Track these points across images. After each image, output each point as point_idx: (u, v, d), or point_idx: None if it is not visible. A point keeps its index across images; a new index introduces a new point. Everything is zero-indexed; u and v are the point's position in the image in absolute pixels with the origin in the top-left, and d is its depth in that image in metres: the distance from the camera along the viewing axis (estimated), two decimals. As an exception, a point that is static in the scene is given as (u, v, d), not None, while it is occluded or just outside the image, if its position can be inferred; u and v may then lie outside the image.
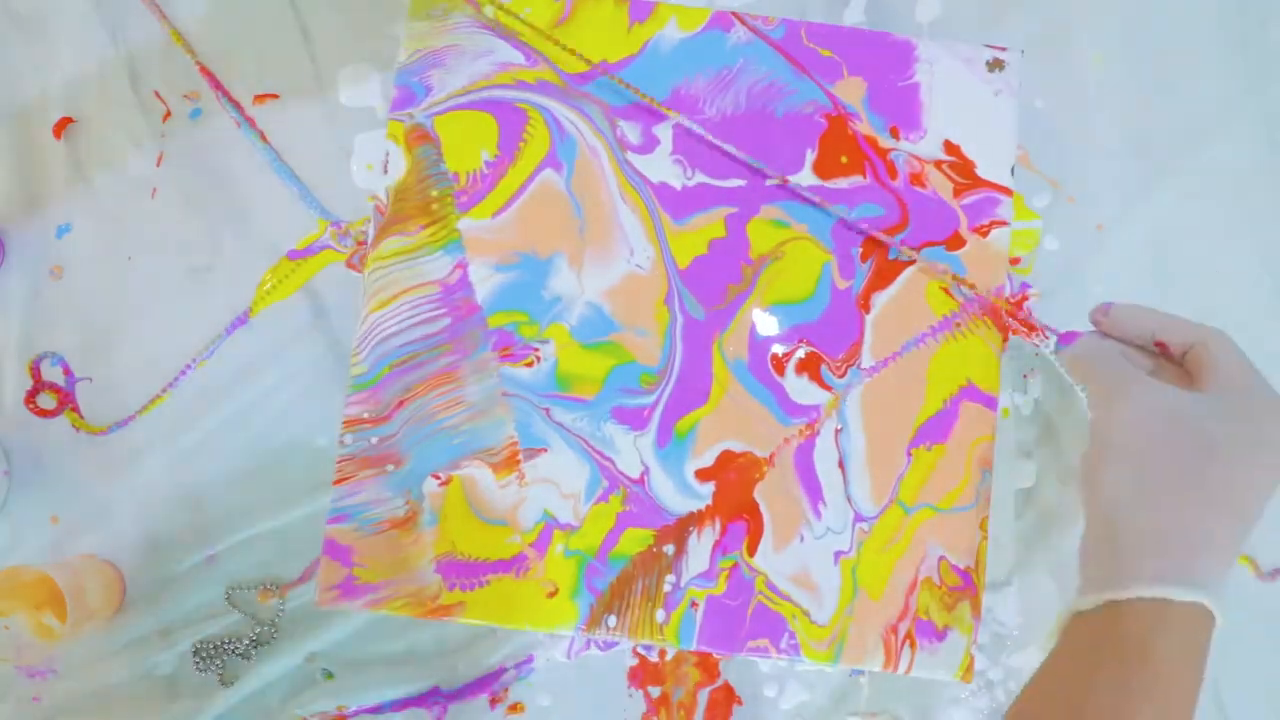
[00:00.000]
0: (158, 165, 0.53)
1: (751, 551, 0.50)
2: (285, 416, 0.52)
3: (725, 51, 0.54)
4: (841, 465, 0.51)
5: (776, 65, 0.54)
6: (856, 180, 0.53)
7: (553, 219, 0.52)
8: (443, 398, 0.51)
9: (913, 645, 0.50)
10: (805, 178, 0.53)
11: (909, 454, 0.51)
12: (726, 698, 0.52)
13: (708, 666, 0.52)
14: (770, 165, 0.52)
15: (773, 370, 0.52)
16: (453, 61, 0.53)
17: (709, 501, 0.50)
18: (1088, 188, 0.55)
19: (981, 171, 0.53)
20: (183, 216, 0.53)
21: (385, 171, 0.53)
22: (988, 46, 0.54)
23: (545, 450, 0.51)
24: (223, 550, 0.51)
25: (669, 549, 0.50)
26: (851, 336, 0.52)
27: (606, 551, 0.50)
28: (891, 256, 0.52)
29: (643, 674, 0.51)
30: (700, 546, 0.50)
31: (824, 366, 0.52)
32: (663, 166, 0.53)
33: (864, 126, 0.53)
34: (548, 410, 0.51)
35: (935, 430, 0.51)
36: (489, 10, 0.53)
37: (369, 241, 0.52)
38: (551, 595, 0.49)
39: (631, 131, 0.53)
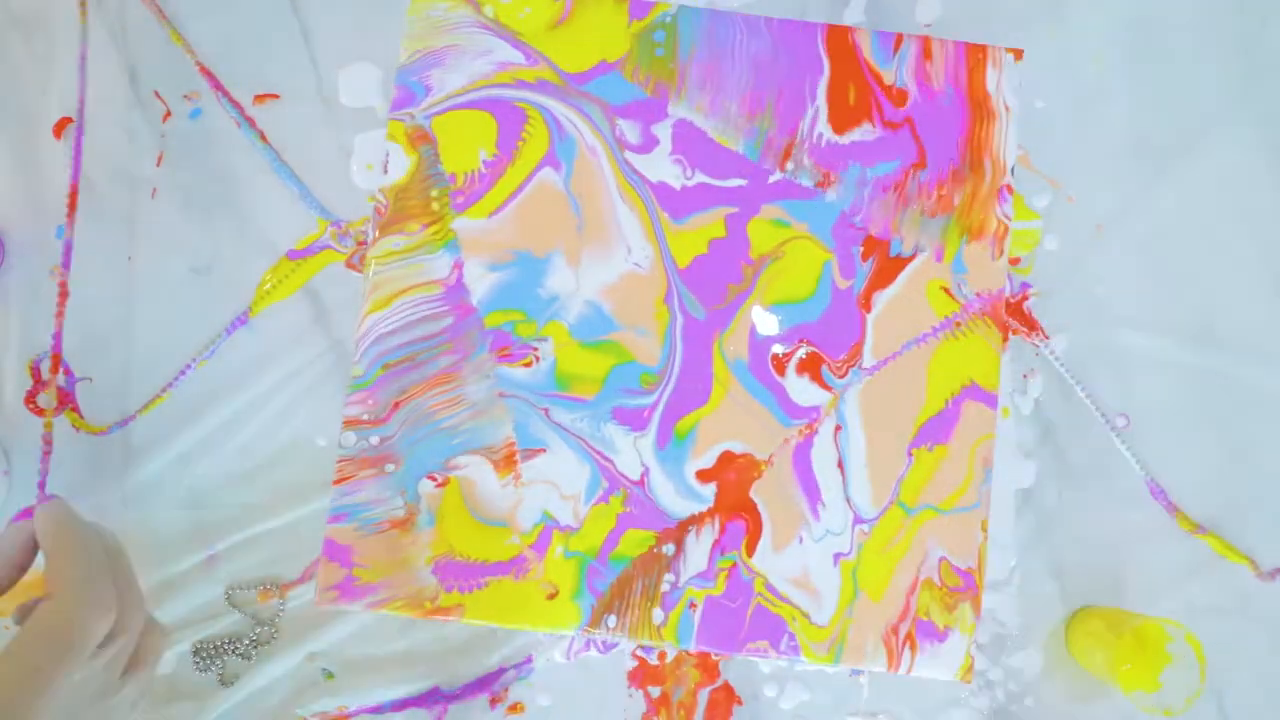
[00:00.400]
0: (158, 165, 0.53)
1: (750, 551, 0.50)
2: (285, 416, 0.52)
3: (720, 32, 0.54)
4: (840, 465, 0.51)
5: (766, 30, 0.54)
6: (866, 131, 0.53)
7: (551, 218, 0.52)
8: (440, 398, 0.51)
9: (913, 647, 0.50)
10: (822, 128, 0.53)
11: (910, 454, 0.51)
12: (726, 698, 0.52)
13: (708, 667, 0.52)
14: (781, 101, 0.53)
15: (773, 370, 0.52)
16: (452, 61, 0.53)
17: (711, 504, 0.50)
18: (1088, 188, 0.55)
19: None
20: (183, 216, 0.53)
21: (385, 171, 0.52)
22: (989, 46, 0.54)
23: (544, 450, 0.51)
24: (223, 550, 0.51)
25: (668, 548, 0.50)
26: (853, 337, 0.52)
27: (607, 553, 0.50)
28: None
29: (643, 674, 0.51)
30: (699, 546, 0.50)
31: (824, 367, 0.52)
32: (662, 166, 0.53)
33: (865, 40, 0.54)
34: (547, 410, 0.51)
35: (937, 430, 0.51)
36: (489, 10, 0.53)
37: (369, 241, 0.52)
38: (551, 597, 0.49)
39: (631, 131, 0.53)
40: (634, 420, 0.51)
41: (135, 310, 0.52)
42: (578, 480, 0.50)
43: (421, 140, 0.53)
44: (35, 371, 0.52)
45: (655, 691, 0.51)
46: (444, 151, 0.52)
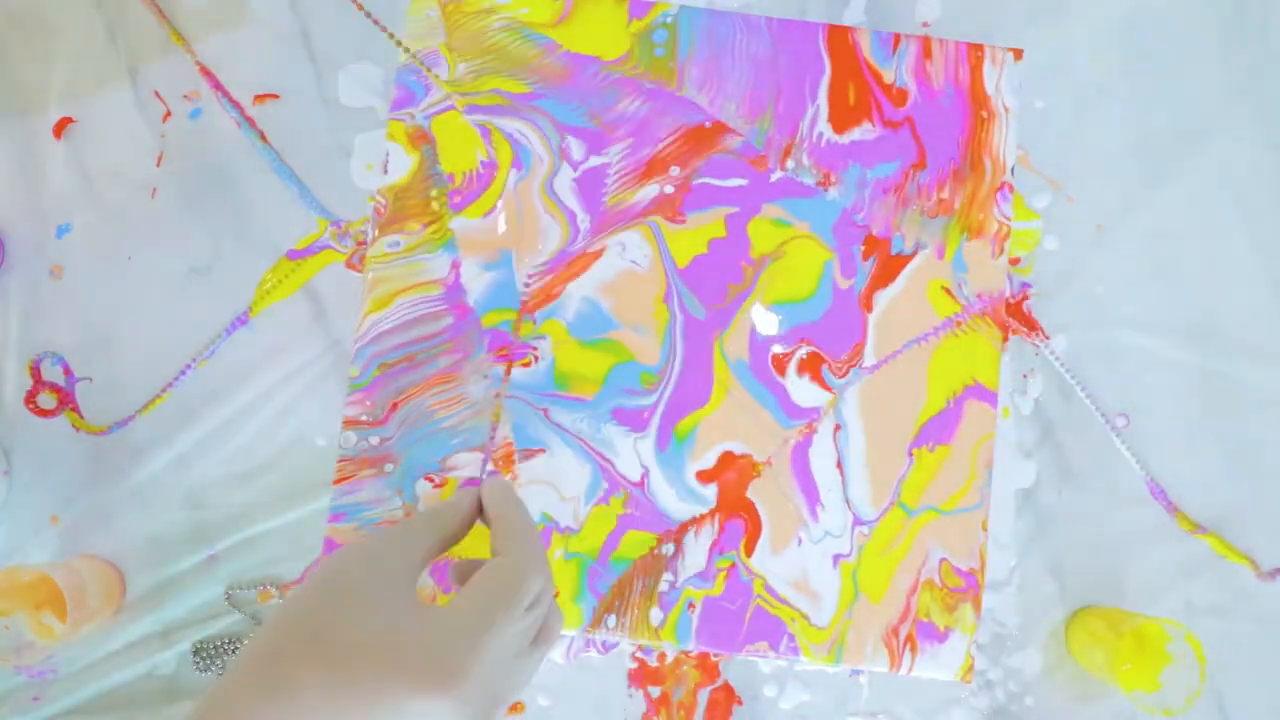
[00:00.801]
0: (158, 165, 0.53)
1: (749, 551, 0.50)
2: (285, 416, 0.52)
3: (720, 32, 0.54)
4: (840, 465, 0.51)
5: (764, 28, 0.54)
6: (866, 130, 0.53)
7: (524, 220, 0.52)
8: (438, 399, 0.51)
9: (913, 648, 0.50)
10: (822, 127, 0.53)
11: (911, 455, 0.51)
12: (726, 698, 0.52)
13: (708, 667, 0.52)
14: (780, 100, 0.53)
15: (774, 371, 0.52)
16: (441, 61, 0.53)
17: (713, 505, 0.50)
18: (1088, 188, 0.55)
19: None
20: (183, 216, 0.53)
21: (385, 171, 0.52)
22: (989, 46, 0.54)
23: (543, 451, 0.51)
24: (223, 550, 0.51)
25: (668, 549, 0.50)
26: (854, 337, 0.52)
27: (608, 554, 0.50)
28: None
29: (642, 674, 0.51)
30: (697, 545, 0.50)
31: (825, 367, 0.52)
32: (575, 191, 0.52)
33: (864, 40, 0.54)
34: (546, 410, 0.51)
35: (939, 430, 0.51)
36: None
37: (369, 241, 0.52)
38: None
39: (577, 148, 0.53)
40: (634, 421, 0.51)
41: (135, 310, 0.52)
42: (578, 481, 0.50)
43: (421, 140, 0.53)
44: (35, 371, 0.52)
45: (655, 691, 0.51)
46: (442, 151, 0.52)
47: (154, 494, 0.51)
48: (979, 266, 0.53)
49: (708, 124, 0.53)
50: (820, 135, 0.53)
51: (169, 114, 0.54)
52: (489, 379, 0.51)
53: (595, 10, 0.54)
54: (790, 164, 0.53)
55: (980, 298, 0.52)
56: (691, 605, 0.50)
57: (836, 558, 0.50)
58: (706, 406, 0.51)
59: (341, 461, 0.50)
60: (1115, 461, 0.53)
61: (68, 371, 0.52)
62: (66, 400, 0.52)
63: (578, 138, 0.53)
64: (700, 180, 0.53)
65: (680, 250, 0.52)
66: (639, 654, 0.51)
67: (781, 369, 0.52)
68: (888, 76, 0.54)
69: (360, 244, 0.53)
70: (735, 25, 0.54)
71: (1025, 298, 0.54)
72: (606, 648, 0.51)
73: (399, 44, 0.53)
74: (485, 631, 0.32)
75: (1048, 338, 0.54)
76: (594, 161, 0.52)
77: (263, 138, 0.54)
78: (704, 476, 0.51)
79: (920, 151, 0.53)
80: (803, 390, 0.51)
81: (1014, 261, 0.54)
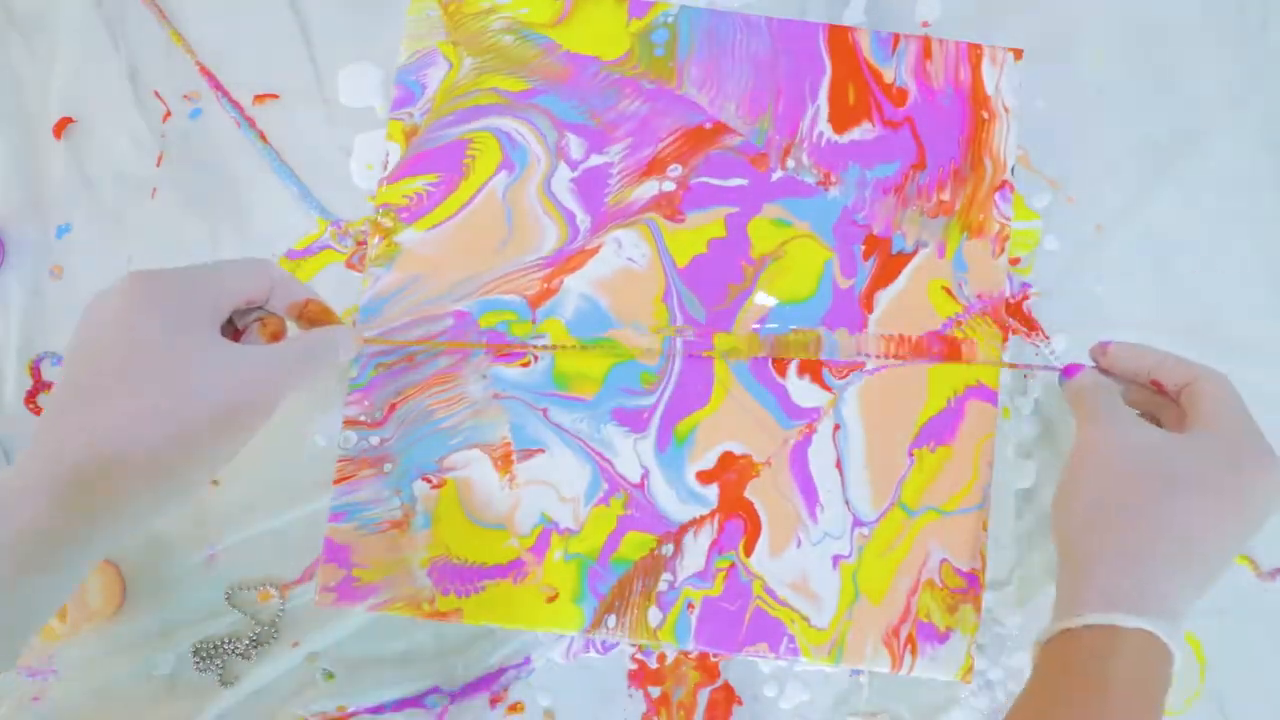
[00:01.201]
0: (158, 165, 0.53)
1: (748, 552, 0.50)
2: (285, 416, 0.52)
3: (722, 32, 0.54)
4: (839, 465, 0.51)
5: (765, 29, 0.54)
6: (865, 130, 0.53)
7: (487, 234, 0.52)
8: (437, 399, 0.51)
9: (914, 649, 0.50)
10: (822, 127, 0.53)
11: (911, 455, 0.51)
12: (726, 698, 0.52)
13: (707, 667, 0.52)
14: (780, 100, 0.53)
15: (774, 372, 0.52)
16: (440, 61, 0.53)
17: (714, 506, 0.50)
18: (1088, 188, 0.55)
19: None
20: (183, 216, 0.53)
21: (385, 171, 0.53)
22: (988, 46, 0.54)
23: (542, 451, 0.51)
24: (223, 550, 0.51)
25: (667, 549, 0.50)
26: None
27: (608, 555, 0.50)
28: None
29: (642, 674, 0.51)
30: (697, 545, 0.50)
31: (825, 368, 0.52)
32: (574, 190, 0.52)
33: (864, 40, 0.54)
34: (545, 411, 0.51)
35: (940, 430, 0.51)
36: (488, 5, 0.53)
37: (368, 242, 0.52)
38: (551, 600, 0.49)
39: (577, 146, 0.52)
40: (634, 421, 0.51)
41: (135, 310, 0.52)
42: (578, 482, 0.50)
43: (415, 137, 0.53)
44: (35, 371, 0.52)
45: (655, 692, 0.51)
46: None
47: (154, 494, 0.51)
48: (979, 266, 0.53)
49: (708, 125, 0.53)
50: (820, 135, 0.53)
51: (169, 114, 0.54)
52: (487, 379, 0.51)
53: (595, 10, 0.54)
54: (790, 163, 0.53)
55: (980, 298, 0.52)
56: (690, 605, 0.50)
57: (836, 559, 0.50)
58: (707, 407, 0.51)
59: (341, 461, 0.50)
60: (1115, 461, 0.53)
61: (68, 371, 0.52)
62: (66, 400, 0.52)
63: (577, 135, 0.53)
64: (700, 180, 0.53)
65: (679, 249, 0.52)
66: (639, 655, 0.51)
67: (782, 370, 0.52)
68: (887, 76, 0.54)
69: (360, 244, 0.53)
70: (735, 25, 0.54)
71: (1025, 298, 0.54)
72: (606, 648, 0.51)
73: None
74: (1252, 421, 0.42)
75: (1048, 338, 0.54)
76: (594, 161, 0.52)
77: (263, 138, 0.54)
78: (704, 477, 0.51)
79: (920, 151, 0.53)
80: (803, 391, 0.51)
81: (1014, 261, 0.54)
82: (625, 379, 0.51)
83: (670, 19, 0.54)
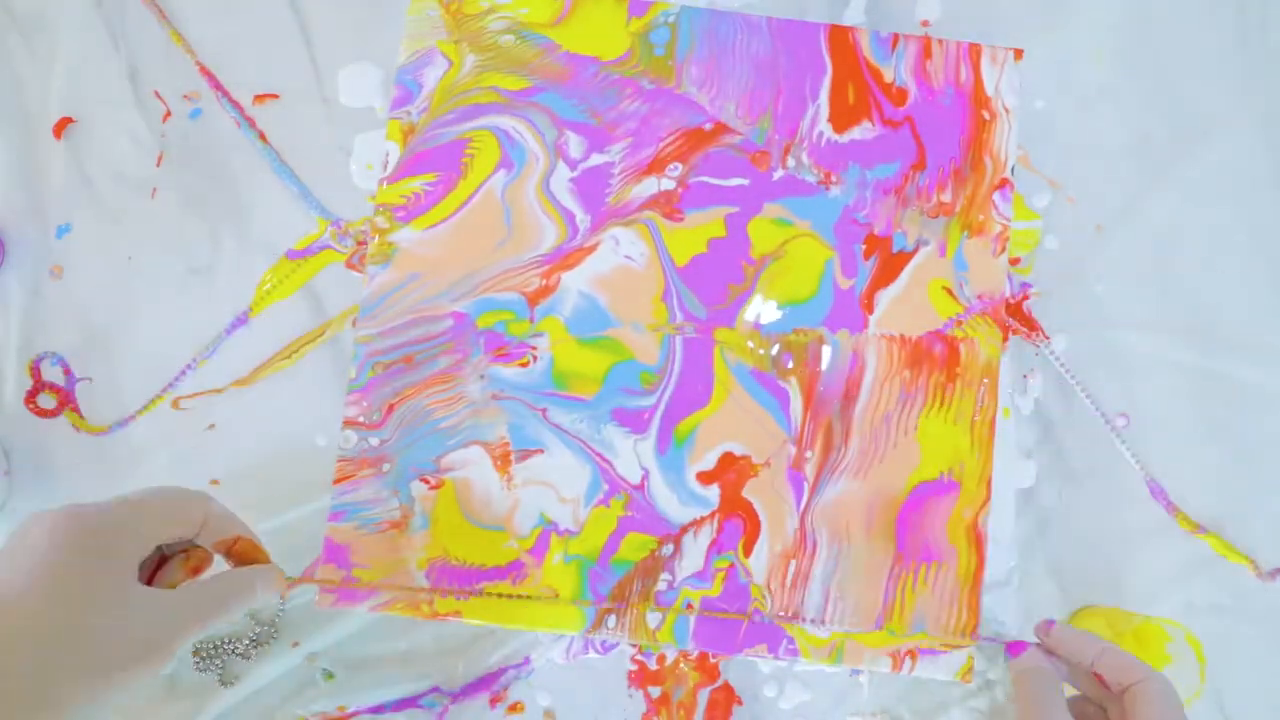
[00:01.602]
0: (158, 165, 0.53)
1: (747, 552, 0.50)
2: (285, 416, 0.52)
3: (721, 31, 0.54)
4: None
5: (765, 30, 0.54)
6: (865, 129, 0.53)
7: (485, 233, 0.52)
8: (435, 399, 0.51)
9: (913, 654, 0.50)
10: (822, 126, 0.53)
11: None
12: (726, 698, 0.51)
13: (707, 667, 0.52)
14: (780, 100, 0.53)
15: (777, 377, 0.51)
16: (439, 60, 0.53)
17: (716, 506, 0.50)
18: (1088, 188, 0.55)
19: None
20: (183, 216, 0.53)
21: (385, 171, 0.53)
22: (988, 46, 0.54)
23: (541, 451, 0.50)
24: (223, 550, 0.51)
25: (666, 549, 0.50)
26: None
27: (608, 557, 0.50)
28: None
29: (642, 675, 0.51)
30: (696, 545, 0.50)
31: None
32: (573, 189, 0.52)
33: (864, 39, 0.54)
34: (545, 411, 0.51)
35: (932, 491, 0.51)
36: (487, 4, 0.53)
37: (369, 242, 0.52)
38: (551, 601, 0.49)
39: (576, 145, 0.52)
40: (634, 422, 0.51)
41: (135, 310, 0.52)
42: (577, 482, 0.50)
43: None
44: (35, 371, 0.52)
45: (655, 692, 0.51)
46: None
47: (154, 494, 0.51)
48: (980, 265, 0.52)
49: (708, 125, 0.53)
50: (820, 135, 0.53)
51: (169, 114, 0.54)
52: (485, 379, 0.51)
53: (595, 10, 0.54)
54: (791, 162, 0.53)
55: (981, 299, 0.52)
56: (689, 606, 0.50)
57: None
58: (707, 407, 0.51)
59: (341, 461, 0.50)
60: (1115, 461, 0.53)
61: (68, 371, 0.52)
62: (66, 400, 0.52)
63: (577, 134, 0.53)
64: (699, 179, 0.53)
65: (679, 249, 0.52)
66: (639, 656, 0.51)
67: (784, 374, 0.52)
68: (887, 76, 0.54)
69: (360, 244, 0.53)
70: (736, 25, 0.54)
71: (1025, 298, 0.54)
72: (606, 648, 0.51)
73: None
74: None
75: (1048, 338, 0.54)
76: (595, 160, 0.52)
77: (263, 138, 0.54)
78: (704, 478, 0.51)
79: (920, 151, 0.53)
80: (800, 400, 0.51)
81: (1014, 261, 0.54)
82: (625, 379, 0.51)
83: (670, 19, 0.54)
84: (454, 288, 0.51)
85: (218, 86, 0.54)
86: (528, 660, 0.51)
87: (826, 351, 0.51)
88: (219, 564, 0.43)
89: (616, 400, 0.51)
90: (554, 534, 0.50)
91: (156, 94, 0.54)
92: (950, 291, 0.52)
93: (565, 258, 0.52)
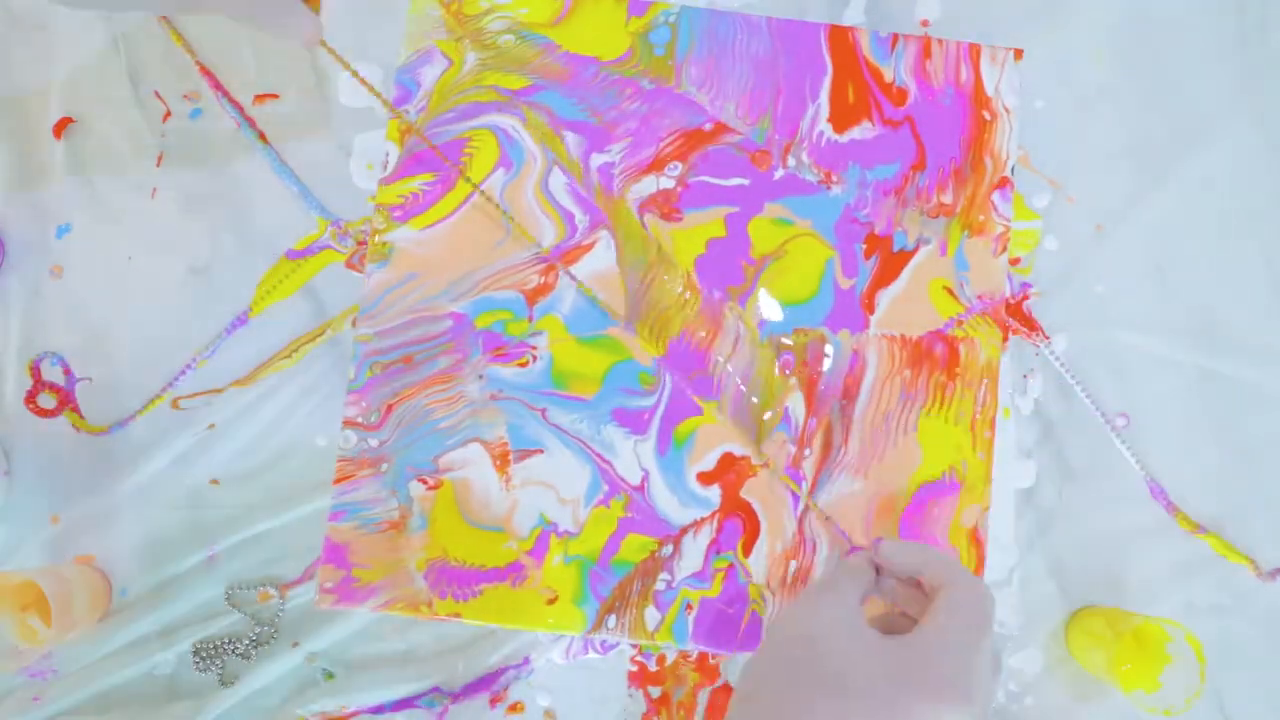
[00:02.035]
0: (158, 165, 0.53)
1: (746, 552, 0.50)
2: (285, 416, 0.52)
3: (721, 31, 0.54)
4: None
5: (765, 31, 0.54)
6: (865, 129, 0.53)
7: (483, 233, 0.52)
8: (434, 399, 0.51)
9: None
10: (822, 126, 0.53)
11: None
12: (726, 698, 0.51)
13: (707, 668, 0.52)
14: (780, 100, 0.53)
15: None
16: (438, 59, 0.53)
17: (715, 507, 0.50)
18: (1088, 188, 0.55)
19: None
20: (183, 216, 0.53)
21: (385, 171, 0.52)
22: (988, 46, 0.54)
23: (540, 451, 0.50)
24: (223, 550, 0.51)
25: (666, 550, 0.50)
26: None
27: (608, 557, 0.50)
28: None
29: (642, 675, 0.51)
30: (695, 545, 0.50)
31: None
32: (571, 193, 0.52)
33: (864, 39, 0.54)
34: (544, 411, 0.51)
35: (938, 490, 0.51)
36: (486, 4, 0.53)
37: (369, 242, 0.52)
38: (551, 603, 0.49)
39: (575, 144, 0.52)
40: (634, 423, 0.51)
41: (135, 310, 0.52)
42: (577, 483, 0.50)
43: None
44: (35, 371, 0.52)
45: (655, 692, 0.51)
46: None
47: (154, 494, 0.51)
48: (980, 265, 0.52)
49: (708, 126, 0.53)
50: (820, 135, 0.53)
51: (169, 114, 0.54)
52: (484, 379, 0.51)
53: (595, 10, 0.54)
54: (791, 161, 0.53)
55: (981, 299, 0.52)
56: (689, 606, 0.50)
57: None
58: (705, 413, 0.51)
59: (342, 461, 0.50)
60: (1115, 461, 0.53)
61: (68, 371, 0.52)
62: (66, 400, 0.52)
63: (577, 133, 0.53)
64: (699, 178, 0.53)
65: (677, 249, 0.52)
66: (639, 656, 0.51)
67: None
68: (887, 75, 0.54)
69: (360, 244, 0.53)
70: (736, 25, 0.54)
71: (1025, 298, 0.54)
72: (606, 648, 0.51)
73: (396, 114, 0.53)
74: (976, 651, 0.36)
75: (1048, 338, 0.54)
76: (594, 160, 0.52)
77: (263, 138, 0.54)
78: (705, 478, 0.51)
79: (920, 151, 0.53)
80: (799, 404, 0.51)
81: (1014, 261, 0.54)
82: (624, 379, 0.51)
83: (670, 18, 0.54)
84: (452, 287, 0.51)
85: (218, 86, 0.54)
86: (528, 660, 0.51)
87: (829, 351, 0.51)
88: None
89: (616, 400, 0.51)
90: (554, 535, 0.50)
91: (156, 94, 0.54)
92: (951, 291, 0.52)
93: (563, 255, 0.52)
